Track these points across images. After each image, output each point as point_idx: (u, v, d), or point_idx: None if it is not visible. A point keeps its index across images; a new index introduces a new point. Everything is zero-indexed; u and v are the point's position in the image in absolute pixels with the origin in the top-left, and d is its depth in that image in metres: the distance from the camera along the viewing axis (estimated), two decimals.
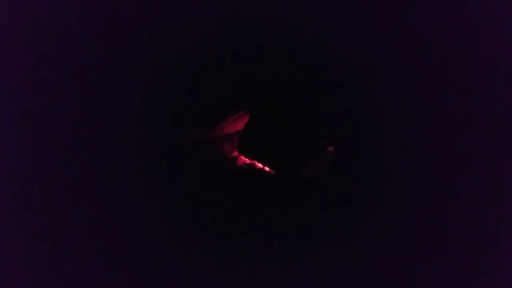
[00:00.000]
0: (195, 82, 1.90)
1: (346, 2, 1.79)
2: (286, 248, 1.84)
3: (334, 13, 1.82)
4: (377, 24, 1.80)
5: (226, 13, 1.86)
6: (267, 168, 1.89)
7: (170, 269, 1.85)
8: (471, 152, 1.70)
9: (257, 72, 1.90)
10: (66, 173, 1.79)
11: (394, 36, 1.77)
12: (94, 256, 1.81)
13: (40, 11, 1.75)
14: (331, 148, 1.87)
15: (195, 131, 1.90)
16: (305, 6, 1.83)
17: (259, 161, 1.90)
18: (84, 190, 1.83)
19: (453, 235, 1.70)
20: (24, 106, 1.77)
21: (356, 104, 1.84)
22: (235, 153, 1.91)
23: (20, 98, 1.77)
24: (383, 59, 1.82)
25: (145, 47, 1.85)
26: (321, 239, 1.83)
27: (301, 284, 1.82)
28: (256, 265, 1.85)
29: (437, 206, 1.71)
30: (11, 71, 1.74)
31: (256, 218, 1.87)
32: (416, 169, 1.74)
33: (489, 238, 1.70)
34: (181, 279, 1.82)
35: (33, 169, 1.79)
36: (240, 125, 1.91)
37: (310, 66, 1.88)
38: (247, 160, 1.90)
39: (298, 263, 1.83)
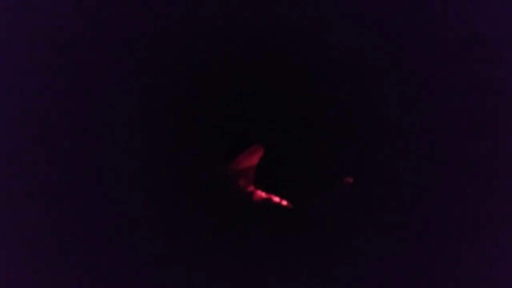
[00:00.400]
0: (208, 117, 1.84)
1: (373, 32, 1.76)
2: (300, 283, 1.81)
3: (359, 45, 1.79)
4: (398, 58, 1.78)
5: (239, 48, 1.81)
6: (284, 202, 1.85)
7: None
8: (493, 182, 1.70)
9: (271, 106, 1.85)
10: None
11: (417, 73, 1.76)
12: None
13: (40, 10, 1.67)
14: (350, 179, 1.84)
15: (209, 167, 1.84)
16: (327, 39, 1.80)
17: (276, 195, 1.85)
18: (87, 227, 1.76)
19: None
20: (25, 106, 1.70)
21: (375, 135, 1.82)
22: (251, 188, 1.86)
23: (19, 98, 1.70)
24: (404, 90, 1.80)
25: (154, 83, 1.78)
26: (334, 274, 1.80)
27: None
28: None
29: (452, 239, 1.71)
30: (11, 70, 1.67)
31: (273, 252, 1.83)
32: (439, 201, 1.73)
33: (490, 238, 1.70)
34: None
35: (33, 170, 1.72)
36: (255, 159, 1.85)
37: (326, 99, 1.85)
38: (264, 195, 1.85)
39: None
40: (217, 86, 1.84)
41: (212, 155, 1.85)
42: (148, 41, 1.75)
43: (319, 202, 1.83)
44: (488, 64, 1.68)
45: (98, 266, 1.70)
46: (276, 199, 1.85)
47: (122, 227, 1.73)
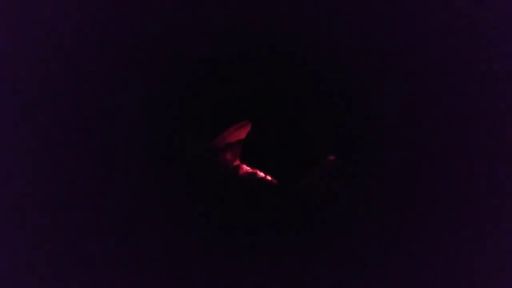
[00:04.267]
0: (197, 91, 1.88)
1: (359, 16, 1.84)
2: (286, 257, 1.85)
3: (340, 20, 1.86)
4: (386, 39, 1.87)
5: (228, 21, 1.86)
6: (269, 177, 1.89)
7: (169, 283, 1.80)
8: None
9: (259, 81, 1.91)
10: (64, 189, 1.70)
11: (402, 50, 1.85)
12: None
13: (43, 11, 1.67)
14: (332, 157, 1.90)
15: (196, 140, 1.87)
16: (309, 12, 1.87)
17: (261, 170, 1.90)
18: (83, 201, 1.75)
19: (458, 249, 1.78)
20: (28, 110, 1.69)
21: (360, 112, 1.89)
22: (237, 162, 1.90)
23: (22, 98, 1.69)
24: (387, 68, 1.89)
25: (146, 54, 1.81)
26: (321, 247, 1.85)
27: None
28: (256, 275, 1.84)
29: (441, 213, 1.79)
30: (11, 71, 1.66)
31: (257, 226, 1.86)
32: (421, 179, 1.81)
33: (490, 238, 1.77)
34: None
35: (33, 171, 1.70)
36: (242, 134, 1.90)
37: (313, 75, 1.92)
38: (249, 169, 1.89)
39: (298, 271, 1.83)
40: (208, 64, 1.88)
41: (201, 128, 1.88)
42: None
43: (303, 178, 1.89)
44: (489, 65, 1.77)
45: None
46: (261, 174, 1.89)
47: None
